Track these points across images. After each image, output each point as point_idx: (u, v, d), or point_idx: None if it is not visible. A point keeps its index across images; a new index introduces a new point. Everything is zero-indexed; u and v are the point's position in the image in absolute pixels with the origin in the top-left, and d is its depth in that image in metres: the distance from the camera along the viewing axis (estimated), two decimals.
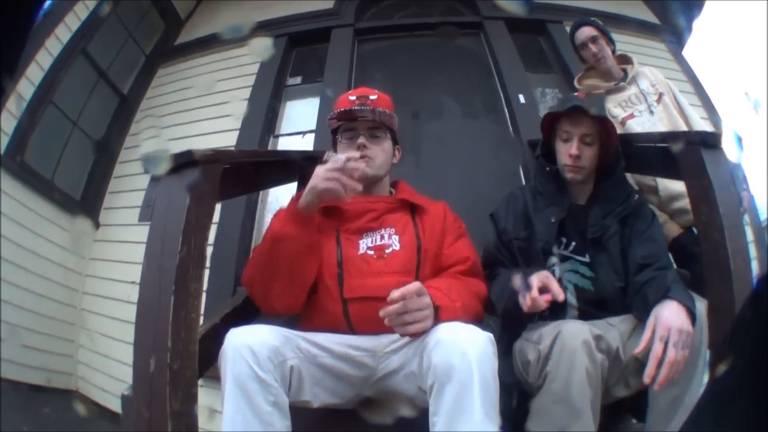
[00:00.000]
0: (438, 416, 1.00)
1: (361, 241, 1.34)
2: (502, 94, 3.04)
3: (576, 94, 1.80)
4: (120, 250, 2.85)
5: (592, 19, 2.11)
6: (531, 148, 1.69)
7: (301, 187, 1.95)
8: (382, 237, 1.35)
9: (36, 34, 2.62)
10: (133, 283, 2.62)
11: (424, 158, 2.71)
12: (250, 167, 1.56)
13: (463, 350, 1.00)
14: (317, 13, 3.54)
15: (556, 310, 1.43)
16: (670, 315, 1.14)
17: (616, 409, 1.37)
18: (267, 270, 1.24)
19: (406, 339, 1.18)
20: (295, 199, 1.29)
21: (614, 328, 1.32)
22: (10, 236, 2.46)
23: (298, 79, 3.44)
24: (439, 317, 1.12)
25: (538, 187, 1.56)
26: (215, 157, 1.19)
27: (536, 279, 1.21)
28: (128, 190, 3.11)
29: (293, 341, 1.14)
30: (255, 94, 3.20)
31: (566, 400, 1.16)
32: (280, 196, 2.64)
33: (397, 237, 1.35)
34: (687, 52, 3.53)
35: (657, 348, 1.11)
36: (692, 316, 1.15)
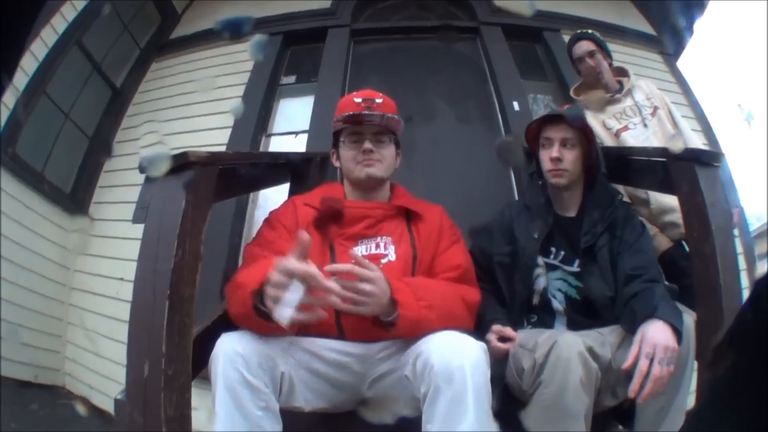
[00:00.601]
0: (432, 423, 1.00)
1: (355, 249, 1.30)
2: (496, 101, 3.05)
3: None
4: (109, 245, 2.83)
5: (590, 32, 2.12)
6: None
7: (293, 187, 1.95)
8: (377, 246, 1.32)
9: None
10: (121, 279, 2.60)
11: (416, 162, 2.70)
12: (245, 169, 1.55)
13: (458, 359, 1.00)
14: (314, 12, 3.52)
15: (545, 317, 1.48)
16: (655, 333, 1.18)
17: (603, 416, 1.39)
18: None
19: (399, 345, 1.19)
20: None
21: (605, 339, 1.34)
22: None
23: (292, 79, 3.42)
24: (397, 311, 1.10)
25: (526, 201, 1.59)
26: (211, 159, 1.19)
27: (493, 336, 1.35)
28: (119, 185, 3.08)
29: (284, 347, 1.13)
30: (249, 91, 3.18)
31: (560, 408, 1.19)
32: (270, 195, 2.62)
33: (393, 247, 1.32)
34: (681, 64, 3.58)
35: (642, 365, 1.15)
36: (678, 333, 1.19)
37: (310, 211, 1.34)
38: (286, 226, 1.31)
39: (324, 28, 3.41)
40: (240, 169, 1.45)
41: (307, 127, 2.97)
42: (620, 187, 1.90)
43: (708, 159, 1.36)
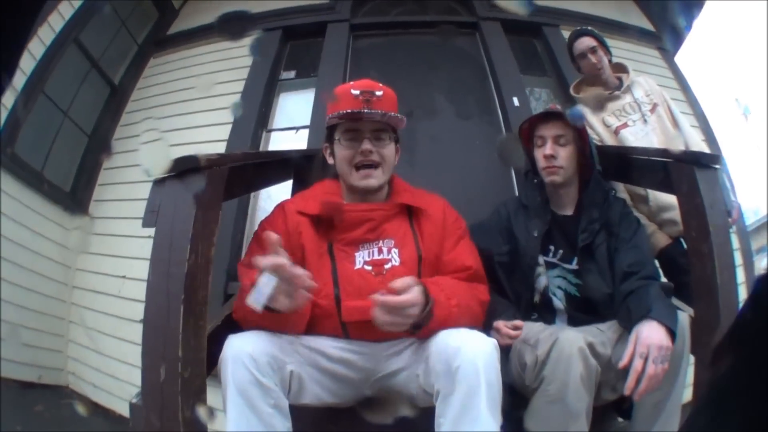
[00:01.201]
0: (445, 417, 1.04)
1: (357, 254, 1.26)
2: (496, 96, 3.04)
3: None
4: (110, 243, 2.83)
5: (590, 28, 2.13)
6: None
7: (295, 184, 1.95)
8: (380, 250, 1.27)
9: None
10: (123, 277, 2.60)
11: (417, 157, 2.71)
12: (251, 168, 1.55)
13: (471, 356, 1.03)
14: (313, 6, 3.50)
15: (546, 315, 1.51)
16: (650, 333, 1.21)
17: (603, 410, 1.42)
18: (250, 327, 1.15)
19: (408, 342, 1.22)
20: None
21: (604, 336, 1.37)
22: None
23: (291, 74, 3.40)
24: (432, 311, 1.10)
25: (523, 200, 1.61)
26: (220, 161, 1.19)
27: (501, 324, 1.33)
28: (119, 182, 3.07)
29: (292, 346, 1.15)
30: (248, 87, 3.16)
31: (562, 403, 1.22)
32: (272, 192, 2.62)
33: (396, 250, 1.27)
34: (680, 59, 3.59)
35: (637, 364, 1.19)
36: (672, 333, 1.22)
37: (302, 219, 1.28)
38: None
39: (323, 23, 3.39)
40: (246, 169, 1.45)
41: (306, 122, 2.96)
42: (619, 184, 1.93)
43: (707, 161, 1.39)
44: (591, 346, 1.28)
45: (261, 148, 2.97)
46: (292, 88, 3.37)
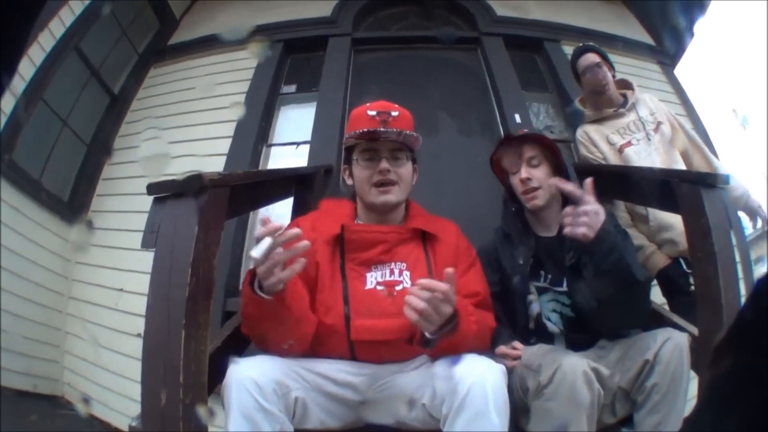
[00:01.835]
0: None
1: (369, 275, 1.26)
2: (497, 112, 3.04)
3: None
4: (108, 255, 2.80)
5: (594, 44, 2.13)
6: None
7: (296, 202, 1.94)
8: (392, 272, 1.27)
9: None
10: (120, 290, 2.58)
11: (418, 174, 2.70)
12: (252, 187, 1.53)
13: (480, 381, 1.03)
14: (314, 20, 3.51)
15: (544, 340, 1.48)
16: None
17: None
18: (254, 333, 1.16)
19: (414, 364, 1.21)
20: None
21: (604, 360, 1.36)
22: None
23: (292, 88, 3.40)
24: (457, 325, 1.09)
25: (505, 228, 1.59)
26: (223, 180, 1.18)
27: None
28: (117, 193, 3.06)
29: (296, 371, 1.14)
30: (249, 100, 3.15)
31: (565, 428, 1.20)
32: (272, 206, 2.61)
33: (408, 273, 1.27)
34: (679, 72, 3.60)
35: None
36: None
37: (318, 237, 1.27)
38: None
39: (325, 37, 3.40)
40: (248, 188, 1.44)
41: (307, 137, 2.95)
42: (620, 203, 1.92)
43: (713, 181, 1.39)
44: (595, 371, 1.26)
45: (261, 163, 2.97)
46: (293, 102, 3.37)
